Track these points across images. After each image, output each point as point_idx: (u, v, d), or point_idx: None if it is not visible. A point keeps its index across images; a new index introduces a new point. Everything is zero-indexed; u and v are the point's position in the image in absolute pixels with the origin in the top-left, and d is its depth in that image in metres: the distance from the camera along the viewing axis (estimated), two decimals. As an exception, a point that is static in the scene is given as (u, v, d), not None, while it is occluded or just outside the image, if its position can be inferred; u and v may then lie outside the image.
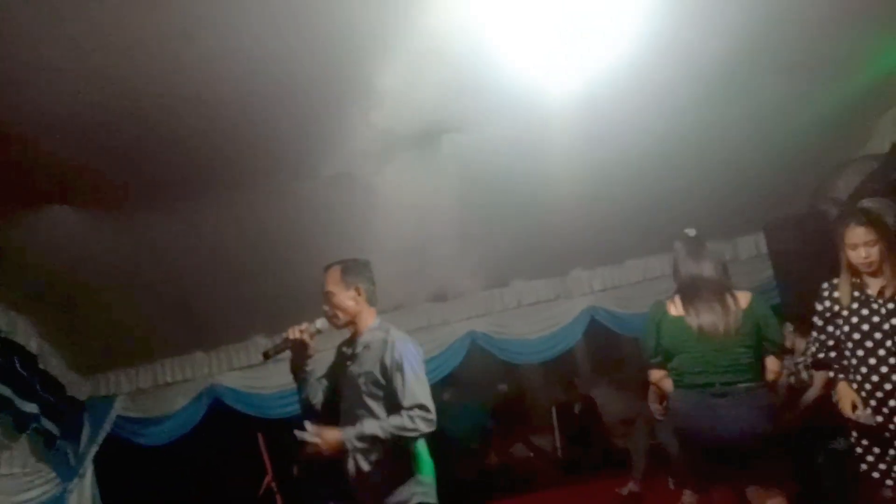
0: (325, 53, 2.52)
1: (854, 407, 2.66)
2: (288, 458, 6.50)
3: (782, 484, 2.79)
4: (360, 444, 2.33)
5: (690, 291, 2.87)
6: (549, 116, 3.02)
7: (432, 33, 2.50)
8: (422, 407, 2.33)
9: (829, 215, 4.46)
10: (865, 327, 2.67)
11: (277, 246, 3.60)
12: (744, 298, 2.83)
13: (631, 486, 4.94)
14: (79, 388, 4.35)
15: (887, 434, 2.63)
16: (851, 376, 2.70)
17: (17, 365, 3.63)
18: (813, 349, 2.91)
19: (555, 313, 4.92)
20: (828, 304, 2.79)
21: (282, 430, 6.39)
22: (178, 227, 3.17)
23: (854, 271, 2.70)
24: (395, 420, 2.32)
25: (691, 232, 2.98)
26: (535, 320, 4.92)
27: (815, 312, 2.84)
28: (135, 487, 6.41)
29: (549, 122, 3.06)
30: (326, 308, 2.49)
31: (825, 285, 2.81)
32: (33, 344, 3.74)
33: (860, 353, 2.67)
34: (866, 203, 4.07)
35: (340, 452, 2.36)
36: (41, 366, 3.85)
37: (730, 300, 2.80)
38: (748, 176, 3.94)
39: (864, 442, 2.70)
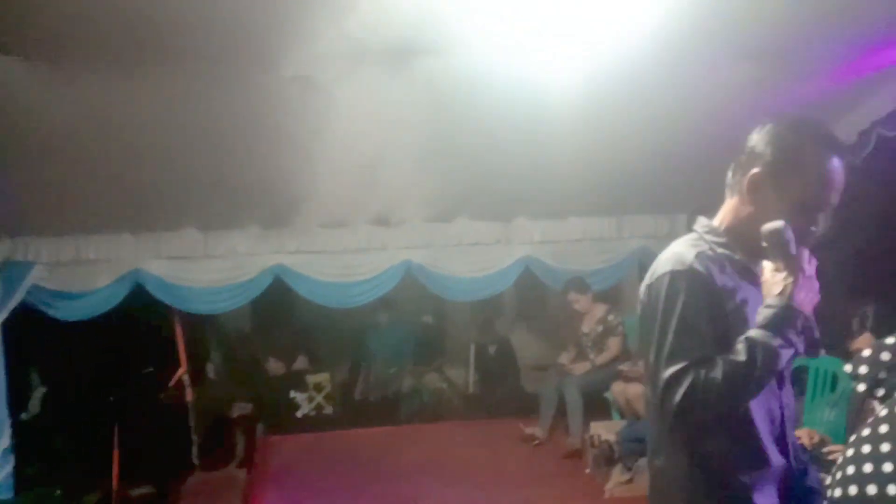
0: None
1: None
2: (204, 354, 6.52)
3: None
4: None
5: None
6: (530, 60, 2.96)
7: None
8: None
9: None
10: None
11: (223, 138, 3.46)
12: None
13: (536, 430, 5.17)
14: (-7, 248, 4.19)
15: None
16: None
17: (-72, 214, 3.44)
18: None
19: (492, 257, 5.02)
20: None
21: (202, 326, 6.38)
22: (123, 97, 2.99)
23: None
24: None
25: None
26: (472, 261, 5.00)
27: None
28: (43, 359, 6.28)
29: (528, 64, 3.00)
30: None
31: None
32: (-52, 195, 3.54)
33: None
34: None
35: None
36: (-46, 219, 3.66)
37: None
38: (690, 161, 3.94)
39: None
